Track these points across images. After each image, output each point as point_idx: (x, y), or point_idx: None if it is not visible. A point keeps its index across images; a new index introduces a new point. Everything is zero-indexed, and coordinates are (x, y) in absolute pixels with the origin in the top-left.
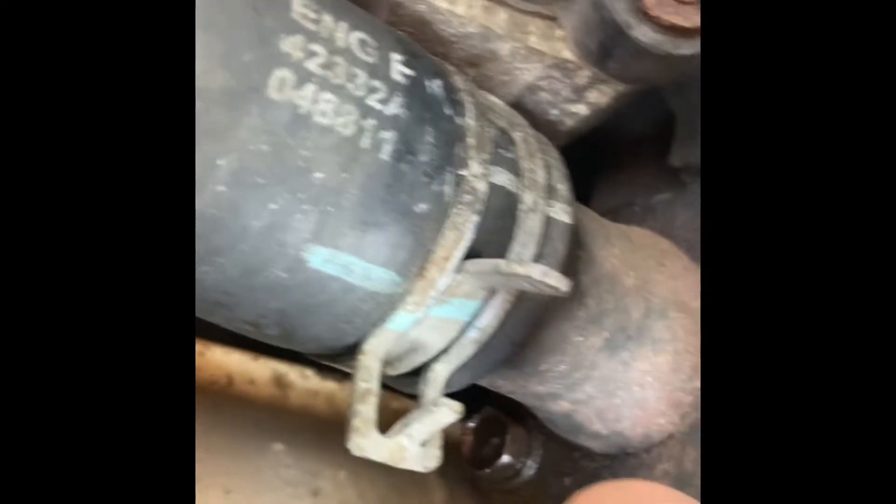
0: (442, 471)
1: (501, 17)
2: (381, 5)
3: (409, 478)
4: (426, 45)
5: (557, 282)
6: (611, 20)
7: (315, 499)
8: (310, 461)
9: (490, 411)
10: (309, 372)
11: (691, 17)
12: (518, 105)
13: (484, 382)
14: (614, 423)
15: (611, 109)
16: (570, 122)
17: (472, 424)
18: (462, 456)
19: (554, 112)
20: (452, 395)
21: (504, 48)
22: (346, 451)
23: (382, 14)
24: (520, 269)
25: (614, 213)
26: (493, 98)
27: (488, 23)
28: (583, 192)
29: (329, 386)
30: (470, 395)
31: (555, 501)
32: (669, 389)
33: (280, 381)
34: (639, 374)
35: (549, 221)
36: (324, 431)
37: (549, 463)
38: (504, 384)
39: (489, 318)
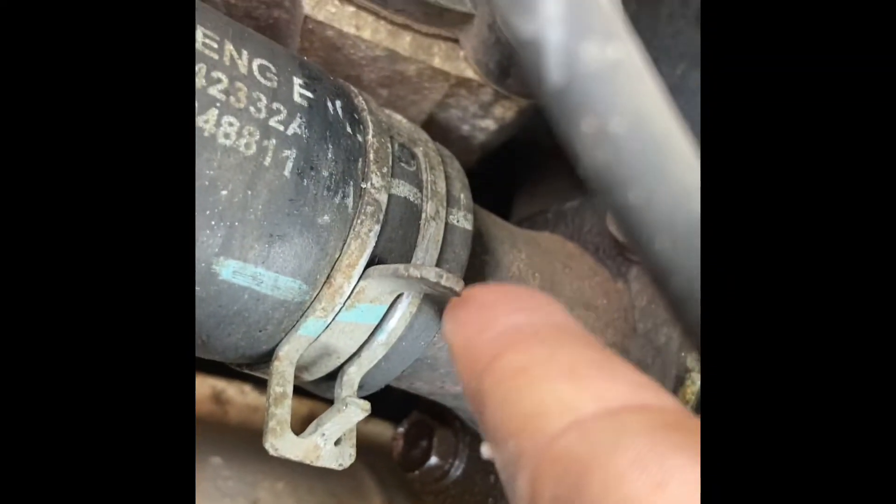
0: (379, 477)
1: (406, 40)
2: (293, 32)
3: (347, 485)
4: (339, 69)
5: (452, 283)
6: (506, 41)
7: None
8: (248, 473)
9: (418, 416)
10: (247, 388)
11: None
12: (432, 122)
13: (403, 385)
14: None
15: (517, 123)
16: (481, 137)
17: (401, 429)
18: (393, 460)
19: (465, 127)
20: (382, 401)
21: (410, 69)
22: (285, 463)
23: (296, 40)
24: (415, 272)
25: (530, 221)
26: (396, 116)
27: (394, 46)
28: (505, 203)
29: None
30: (400, 402)
31: (482, 498)
32: None
33: (219, 398)
34: None
35: (450, 228)
36: (263, 445)
37: (476, 462)
38: (422, 385)
39: (396, 322)
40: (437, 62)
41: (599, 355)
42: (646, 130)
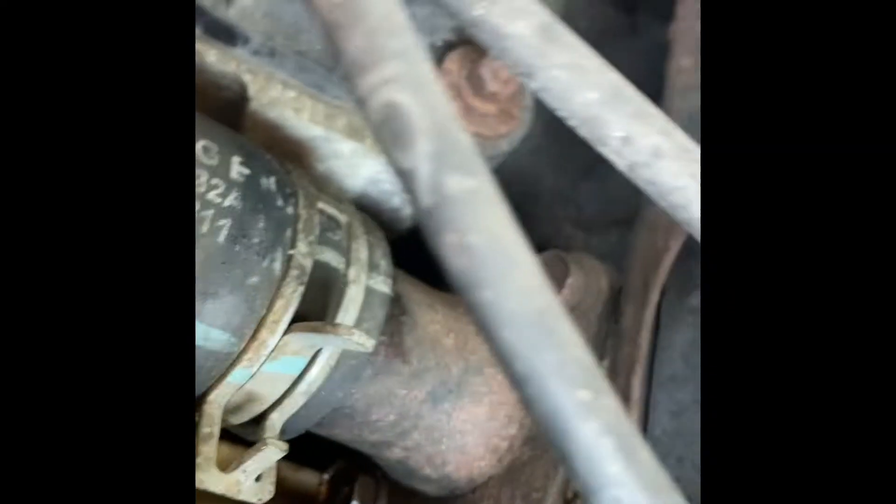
0: None
1: (341, 122)
2: (242, 112)
3: None
4: (281, 145)
5: (363, 340)
6: None
7: None
8: None
9: (342, 463)
10: None
11: (493, 128)
12: (364, 195)
13: (323, 432)
14: (441, 468)
15: None
16: (410, 209)
17: (326, 476)
18: None
19: (395, 200)
20: (313, 452)
21: (345, 148)
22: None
23: (244, 120)
24: (331, 330)
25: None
26: (328, 190)
27: (330, 126)
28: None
29: (223, 450)
30: (327, 450)
31: None
32: (487, 436)
33: None
34: (460, 423)
35: (369, 291)
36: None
37: None
38: (340, 433)
39: (315, 374)
40: (368, 142)
41: None
42: (495, 243)
